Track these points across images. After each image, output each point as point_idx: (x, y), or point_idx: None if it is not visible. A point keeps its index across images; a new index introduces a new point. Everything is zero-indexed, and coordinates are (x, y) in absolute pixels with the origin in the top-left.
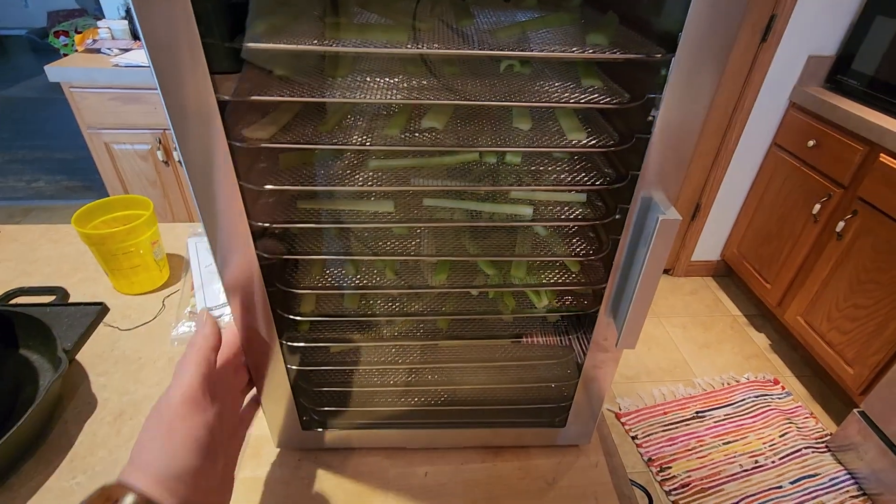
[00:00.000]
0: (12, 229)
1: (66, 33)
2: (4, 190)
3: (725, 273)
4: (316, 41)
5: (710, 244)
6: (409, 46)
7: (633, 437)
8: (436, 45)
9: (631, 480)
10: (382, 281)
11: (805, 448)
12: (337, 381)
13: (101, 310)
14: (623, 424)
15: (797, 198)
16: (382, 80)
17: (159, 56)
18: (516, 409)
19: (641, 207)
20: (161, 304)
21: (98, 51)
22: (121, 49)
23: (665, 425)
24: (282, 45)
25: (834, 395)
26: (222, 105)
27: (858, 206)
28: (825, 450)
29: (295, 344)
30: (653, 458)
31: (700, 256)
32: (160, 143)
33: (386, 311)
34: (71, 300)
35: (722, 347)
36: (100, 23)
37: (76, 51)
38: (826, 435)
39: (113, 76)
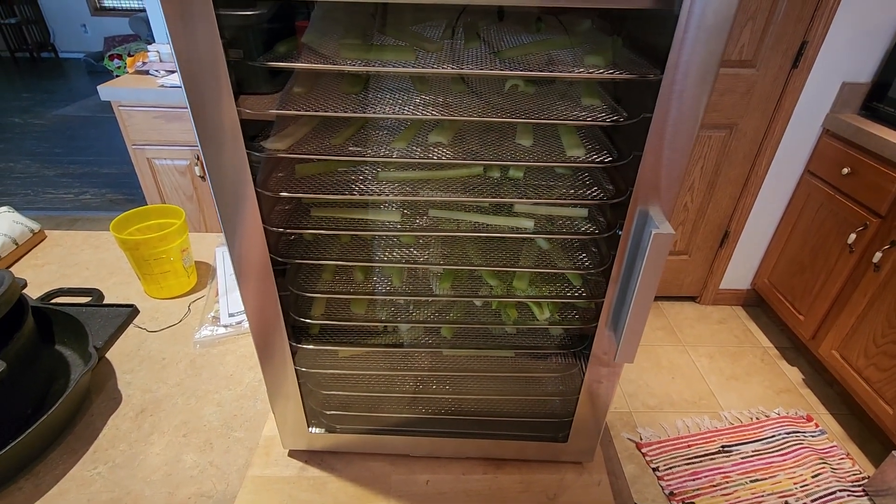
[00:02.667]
0: (57, 235)
1: (119, 57)
2: (54, 201)
3: (756, 303)
4: (331, 61)
5: (739, 273)
6: (415, 65)
7: (654, 469)
8: (444, 66)
9: None
10: (389, 288)
11: (840, 491)
12: (343, 386)
13: (131, 311)
14: (644, 455)
15: (831, 227)
16: (392, 97)
17: (190, 75)
18: (519, 422)
19: (638, 222)
20: (187, 309)
21: (147, 72)
22: (167, 71)
23: (689, 459)
24: (299, 64)
25: (872, 436)
26: (242, 119)
27: None
28: (862, 493)
29: (304, 346)
30: (675, 492)
31: (729, 285)
32: (198, 159)
33: (392, 318)
34: (105, 302)
35: (751, 380)
36: (150, 46)
37: (128, 73)
38: (863, 478)
39: (158, 96)
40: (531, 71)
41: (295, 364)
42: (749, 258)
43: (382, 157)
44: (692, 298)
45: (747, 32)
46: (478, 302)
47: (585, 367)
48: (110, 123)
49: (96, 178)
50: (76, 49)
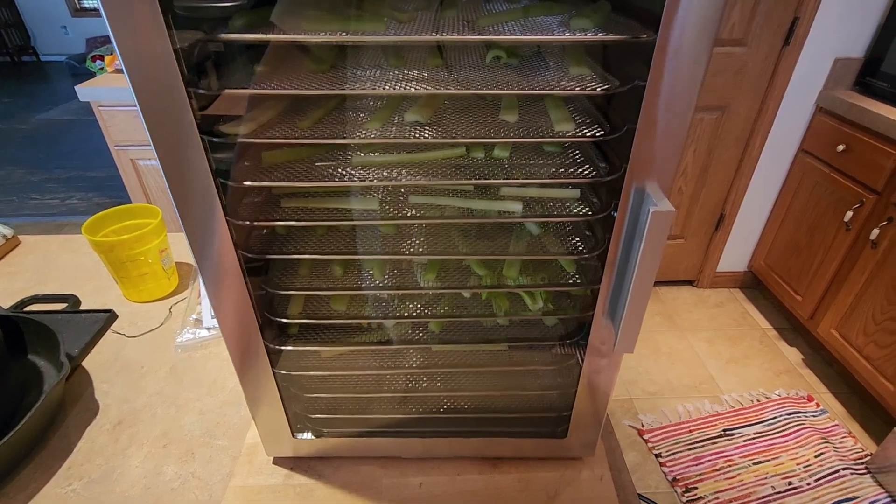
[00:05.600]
0: (32, 240)
1: (101, 58)
2: (41, 207)
3: (753, 285)
4: (289, 32)
5: (736, 255)
6: (385, 35)
7: (657, 456)
8: (412, 34)
9: (642, 496)
10: (371, 282)
11: (843, 469)
12: (328, 388)
13: (108, 317)
14: (646, 442)
15: (827, 205)
16: (364, 74)
17: (127, 50)
18: (514, 419)
19: (634, 200)
20: (168, 312)
21: None
22: None
23: (690, 443)
24: (253, 35)
25: (874, 413)
26: (195, 98)
27: (894, 212)
28: (865, 471)
29: (282, 348)
30: (677, 477)
31: (726, 267)
32: None
33: (376, 314)
34: (82, 308)
35: (750, 362)
36: None
37: (107, 72)
38: (866, 455)
39: None
40: (511, 36)
41: (274, 367)
42: (745, 240)
43: (355, 139)
44: (689, 283)
45: (737, 10)
46: (466, 293)
47: (583, 358)
48: (94, 126)
49: (82, 182)
50: (58, 51)
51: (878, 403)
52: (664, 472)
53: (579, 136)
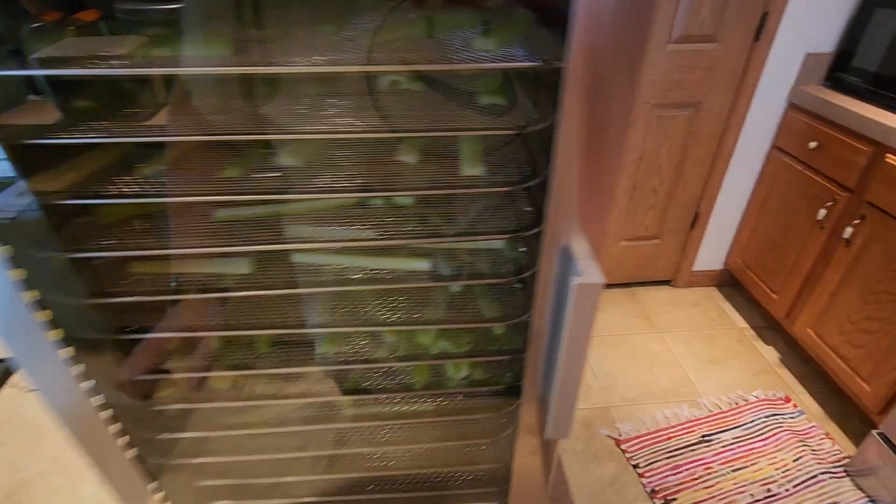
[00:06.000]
0: None
1: None
2: None
3: (730, 283)
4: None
5: (712, 253)
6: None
7: (635, 466)
8: (267, 61)
9: None
10: (256, 357)
11: (822, 474)
12: (222, 474)
13: (3, 370)
14: (623, 452)
15: (801, 203)
16: (223, 106)
17: None
18: (444, 496)
19: (559, 262)
20: None
21: None
22: None
23: (669, 452)
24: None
25: (850, 413)
26: None
27: (866, 210)
28: (843, 475)
29: (160, 437)
30: (656, 489)
31: (702, 266)
32: None
33: (270, 391)
34: None
35: (728, 363)
36: None
37: None
38: (844, 457)
39: None
40: (390, 66)
41: (151, 478)
42: (721, 238)
43: (204, 195)
44: (666, 282)
45: (706, 5)
46: (379, 353)
47: (516, 433)
48: None
49: None
50: None
51: (855, 403)
52: (643, 483)
53: (485, 187)
